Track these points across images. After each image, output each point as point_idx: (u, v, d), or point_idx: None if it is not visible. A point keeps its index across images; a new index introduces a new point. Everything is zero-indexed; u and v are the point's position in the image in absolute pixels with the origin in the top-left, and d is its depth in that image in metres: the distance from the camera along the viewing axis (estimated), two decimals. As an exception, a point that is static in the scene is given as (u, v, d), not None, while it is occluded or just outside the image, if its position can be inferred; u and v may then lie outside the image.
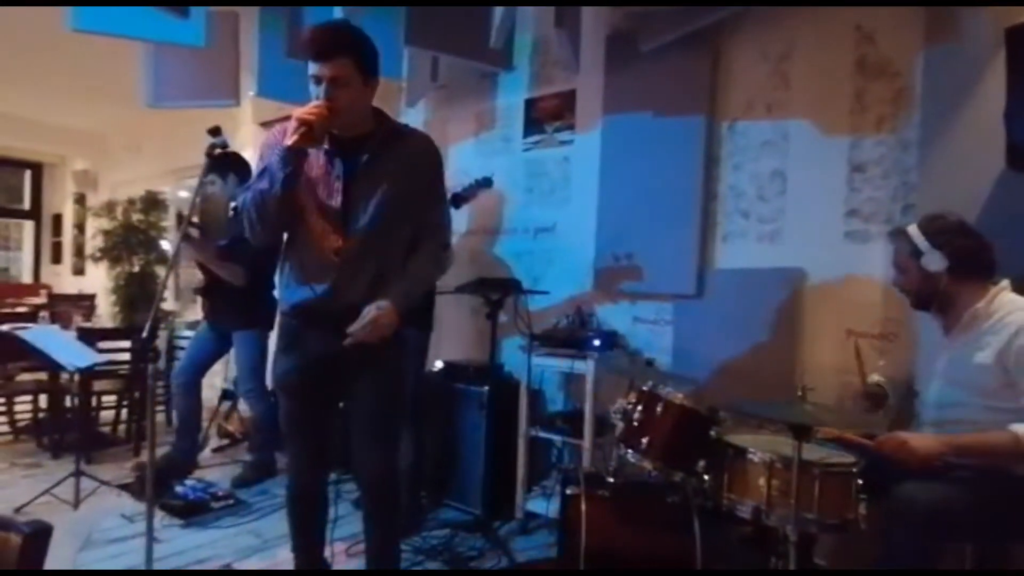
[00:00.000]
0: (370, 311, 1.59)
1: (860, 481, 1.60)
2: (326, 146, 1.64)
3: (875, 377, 1.97)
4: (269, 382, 2.88)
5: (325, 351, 1.65)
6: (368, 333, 1.59)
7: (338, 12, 2.52)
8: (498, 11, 2.38)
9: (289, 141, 1.51)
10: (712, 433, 1.80)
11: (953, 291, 1.68)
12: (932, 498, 1.52)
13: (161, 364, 4.15)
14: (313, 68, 1.55)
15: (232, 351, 3.20)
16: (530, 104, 3.27)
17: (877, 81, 2.28)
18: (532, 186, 3.27)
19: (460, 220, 3.52)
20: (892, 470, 1.60)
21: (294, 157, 1.54)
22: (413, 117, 3.79)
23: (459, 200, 2.55)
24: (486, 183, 2.70)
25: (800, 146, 2.46)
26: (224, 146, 1.98)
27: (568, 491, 1.97)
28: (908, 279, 1.75)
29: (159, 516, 2.62)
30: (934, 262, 1.66)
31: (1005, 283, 1.68)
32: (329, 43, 1.54)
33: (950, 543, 1.66)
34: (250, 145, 4.64)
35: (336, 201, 1.63)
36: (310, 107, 1.53)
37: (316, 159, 1.65)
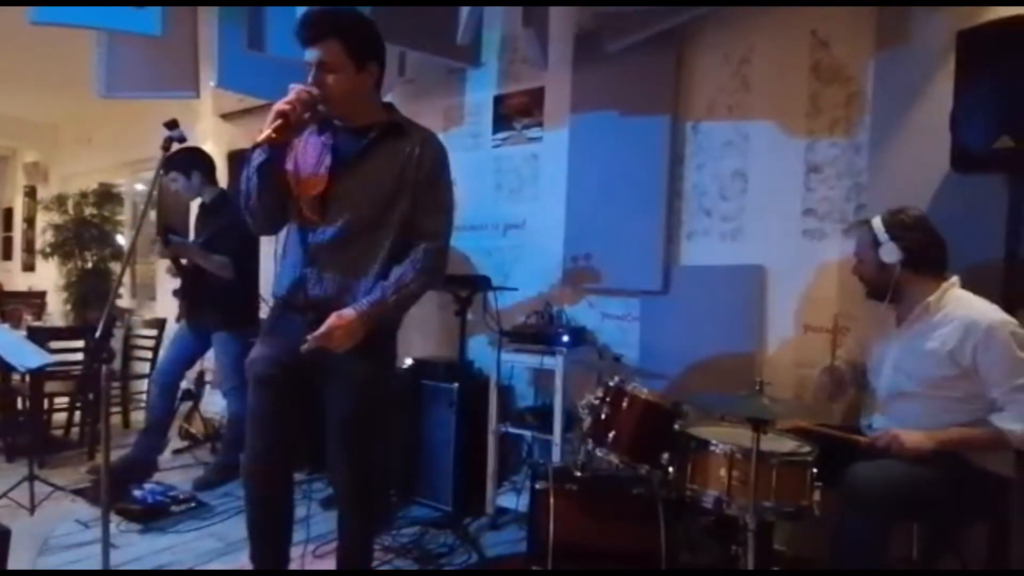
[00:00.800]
0: (331, 319, 1.50)
1: (815, 469, 1.67)
2: (324, 136, 1.60)
3: (838, 361, 2.05)
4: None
5: (298, 345, 1.55)
6: (324, 343, 1.49)
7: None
8: (465, 8, 2.38)
9: (262, 136, 1.46)
10: (676, 426, 1.85)
11: (906, 283, 1.76)
12: (879, 479, 1.60)
13: (116, 364, 4.03)
14: (305, 53, 1.52)
15: (212, 350, 3.14)
16: (499, 100, 3.28)
17: (831, 85, 2.37)
18: (501, 182, 3.28)
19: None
20: (844, 458, 1.68)
21: (268, 148, 1.51)
22: (380, 112, 3.77)
23: None
24: None
25: (759, 147, 2.53)
26: (181, 139, 1.94)
27: (537, 486, 2.00)
28: (865, 268, 1.84)
29: (116, 521, 2.55)
30: (890, 253, 1.74)
31: (955, 279, 1.76)
32: (315, 26, 1.50)
33: (898, 522, 1.74)
34: (210, 138, 4.52)
35: (317, 190, 1.56)
36: (289, 95, 1.47)
37: (311, 147, 1.61)
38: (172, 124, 1.90)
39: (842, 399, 2.01)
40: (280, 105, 1.46)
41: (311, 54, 1.50)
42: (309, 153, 1.61)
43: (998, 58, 1.79)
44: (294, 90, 1.48)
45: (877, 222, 1.78)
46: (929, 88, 2.10)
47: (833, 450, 1.72)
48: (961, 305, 1.70)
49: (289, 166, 1.62)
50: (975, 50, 1.84)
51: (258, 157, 1.53)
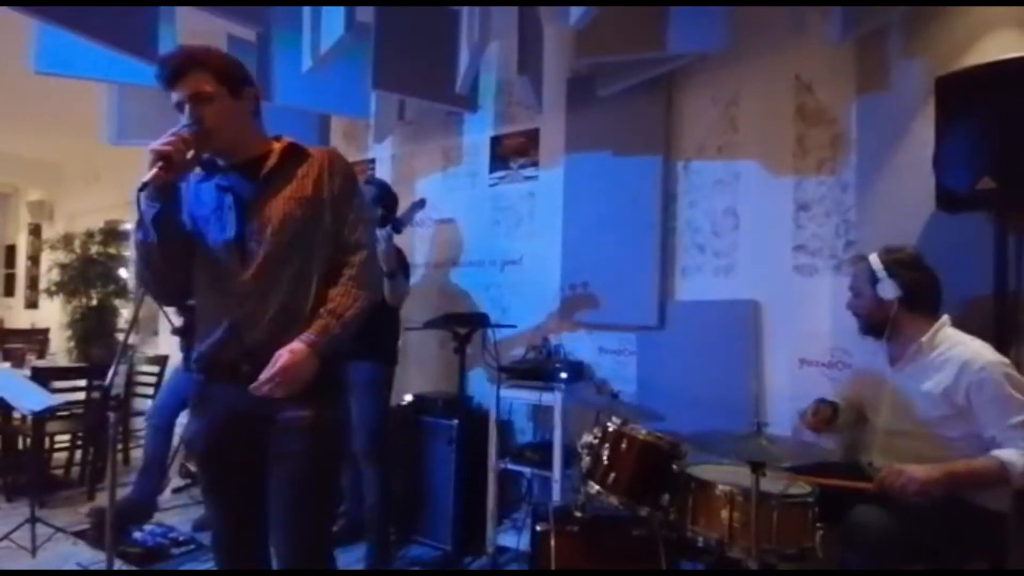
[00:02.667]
0: (280, 355, 1.36)
1: (816, 510, 1.68)
2: (213, 178, 1.49)
3: (831, 400, 2.07)
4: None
5: (235, 408, 1.43)
6: (278, 383, 1.34)
7: (307, 59, 2.56)
8: (463, 57, 2.47)
9: (145, 178, 1.34)
10: (675, 467, 1.86)
11: (901, 320, 1.79)
12: (883, 522, 1.60)
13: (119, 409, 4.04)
14: (172, 96, 1.42)
15: None
16: (495, 141, 3.37)
17: (816, 127, 2.45)
18: (498, 220, 3.34)
19: (429, 252, 3.58)
20: (846, 499, 1.68)
21: (157, 193, 1.36)
22: (380, 153, 3.86)
23: (399, 224, 2.57)
24: (420, 205, 2.74)
25: (749, 185, 2.60)
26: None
27: (538, 527, 2.00)
28: (862, 303, 1.86)
29: (117, 564, 2.54)
30: (888, 290, 1.77)
31: (945, 318, 1.79)
32: (176, 62, 1.41)
33: (902, 565, 1.74)
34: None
35: (230, 232, 1.44)
36: (166, 136, 1.35)
37: (204, 194, 1.50)
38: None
39: (828, 431, 2.02)
40: (157, 145, 1.34)
41: (178, 94, 1.41)
42: (204, 199, 1.49)
43: (976, 103, 1.86)
44: (171, 132, 1.37)
45: (875, 259, 1.82)
46: (911, 130, 2.17)
47: (834, 491, 1.71)
48: (954, 345, 1.73)
49: (184, 218, 1.48)
50: (954, 95, 1.91)
51: (149, 211, 1.38)
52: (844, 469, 1.85)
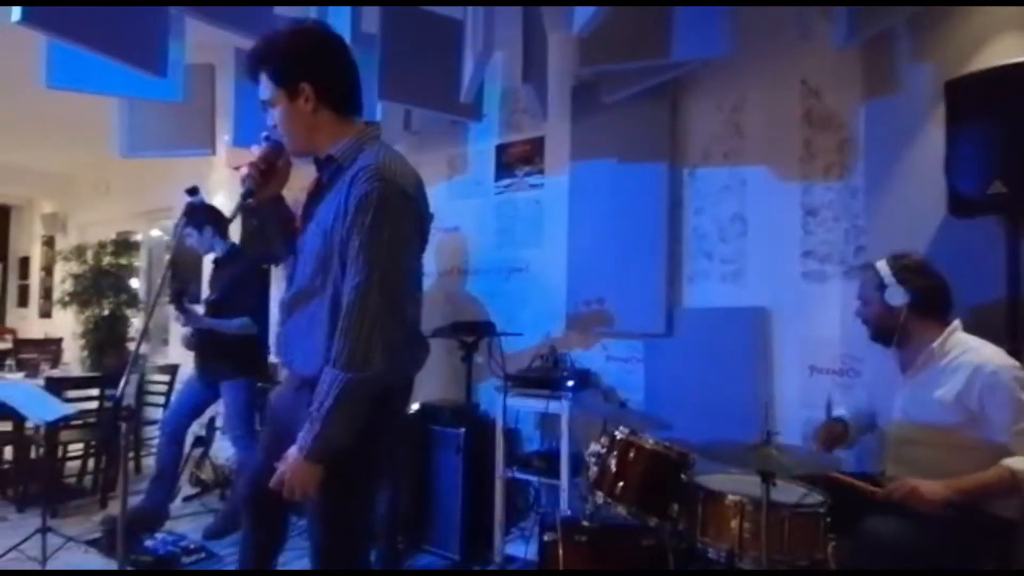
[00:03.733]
0: (280, 465, 1.26)
1: (828, 520, 1.66)
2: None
3: (841, 412, 2.05)
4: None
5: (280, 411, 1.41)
6: (288, 495, 1.25)
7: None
8: (468, 67, 2.48)
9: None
10: (684, 476, 1.85)
11: (911, 327, 1.77)
12: (896, 532, 1.58)
13: (131, 419, 4.07)
14: None
15: (222, 398, 3.19)
16: (501, 149, 3.38)
17: (823, 132, 2.43)
18: (504, 228, 3.35)
19: (435, 261, 3.59)
20: (858, 508, 1.66)
21: (246, 213, 1.38)
22: (387, 161, 3.87)
23: None
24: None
25: (756, 191, 2.59)
26: (202, 204, 2.02)
27: (546, 537, 2.00)
28: (871, 311, 1.84)
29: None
30: (896, 296, 1.75)
31: (957, 323, 1.77)
32: (248, 66, 1.32)
33: (919, 570, 1.71)
34: (224, 189, 4.65)
35: (286, 253, 1.44)
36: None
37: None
38: (193, 191, 1.98)
39: (840, 447, 2.00)
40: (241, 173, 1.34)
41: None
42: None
43: (986, 107, 1.85)
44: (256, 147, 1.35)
45: (882, 265, 1.80)
46: (920, 134, 2.16)
47: (846, 500, 1.70)
48: (967, 350, 1.70)
49: None
50: (964, 99, 1.90)
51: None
52: (855, 478, 1.83)
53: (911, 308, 1.76)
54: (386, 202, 1.23)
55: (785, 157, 2.51)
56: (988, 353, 1.67)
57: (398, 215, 1.25)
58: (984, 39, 2.05)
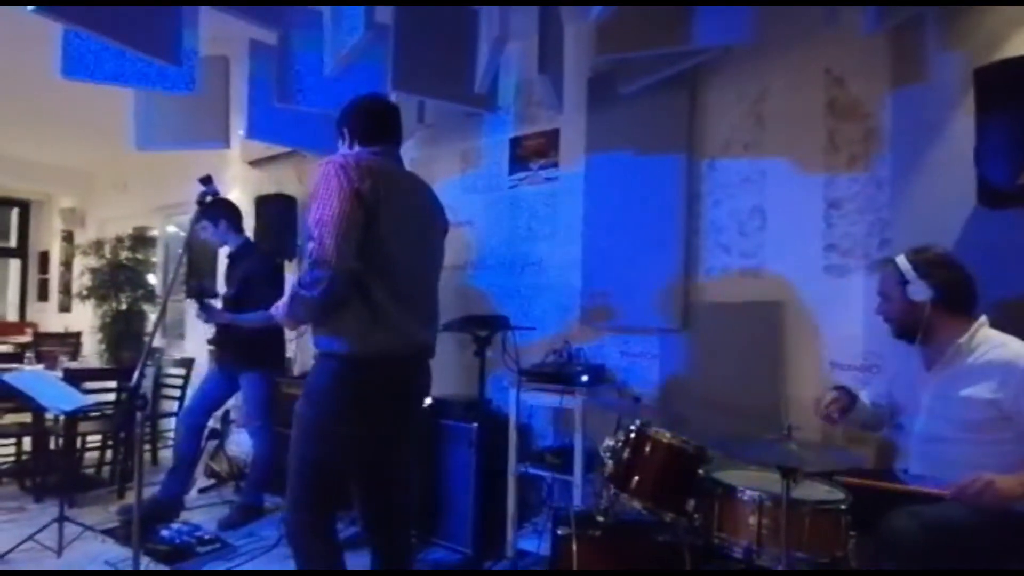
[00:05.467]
0: None
1: (849, 518, 1.61)
2: None
3: (861, 395, 1.98)
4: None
5: None
6: None
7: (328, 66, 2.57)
8: (483, 57, 2.45)
9: None
10: (700, 471, 1.81)
11: (936, 322, 1.71)
12: (919, 529, 1.53)
13: (147, 408, 4.12)
14: None
15: (241, 389, 3.21)
16: (515, 142, 3.34)
17: (848, 122, 2.36)
18: (518, 222, 3.32)
19: (449, 255, 3.55)
20: (880, 505, 1.62)
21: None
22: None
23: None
24: None
25: (777, 183, 2.53)
26: (215, 194, 2.02)
27: (559, 532, 1.97)
28: (893, 307, 1.79)
29: (144, 561, 2.57)
30: (920, 292, 1.70)
31: (983, 319, 1.71)
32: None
33: (940, 570, 1.66)
34: (239, 184, 4.68)
35: None
36: None
37: None
38: (207, 180, 1.99)
39: (832, 425, 1.93)
40: None
41: None
42: None
43: (1017, 95, 1.79)
44: None
45: (903, 260, 1.74)
46: (949, 124, 2.09)
47: (866, 497, 1.65)
48: (996, 346, 1.65)
49: None
50: (994, 87, 1.84)
51: None
52: (878, 476, 1.78)
53: (935, 303, 1.70)
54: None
55: (808, 148, 2.44)
56: (1019, 349, 1.62)
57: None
58: (1015, 26, 1.97)
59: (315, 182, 1.68)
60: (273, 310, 1.80)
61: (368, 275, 1.68)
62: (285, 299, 1.73)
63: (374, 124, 1.89)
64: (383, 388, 1.77)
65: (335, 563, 1.77)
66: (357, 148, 1.87)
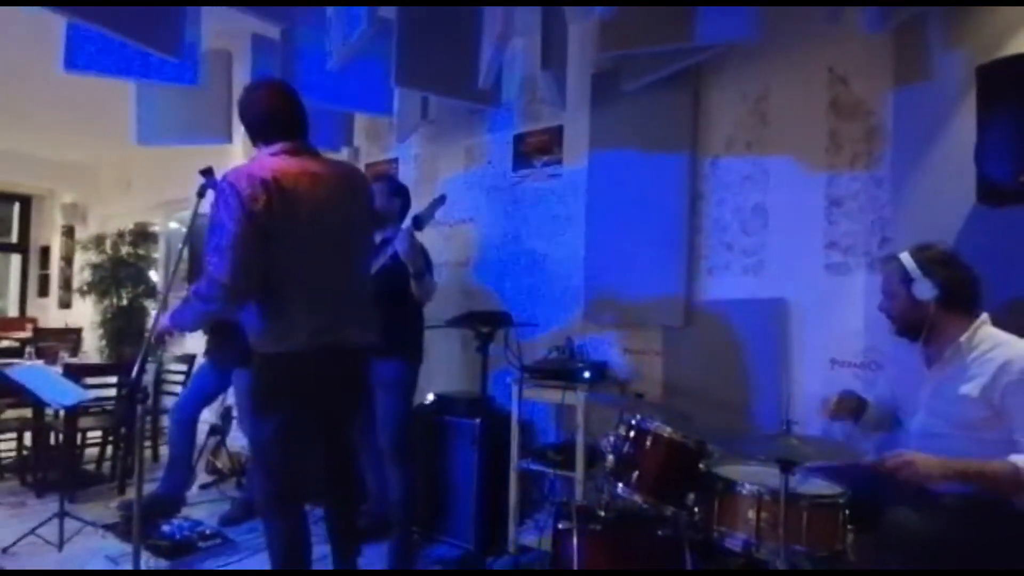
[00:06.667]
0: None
1: (847, 512, 1.62)
2: None
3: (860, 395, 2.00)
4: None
5: None
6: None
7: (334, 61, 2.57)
8: (487, 52, 2.46)
9: None
10: (701, 466, 1.82)
11: (939, 321, 1.71)
12: (923, 525, 1.54)
13: (148, 401, 4.13)
14: None
15: (232, 385, 3.20)
16: (519, 139, 3.35)
17: (850, 120, 2.37)
18: (521, 219, 3.32)
19: (452, 251, 3.58)
20: (881, 498, 1.62)
21: None
22: (404, 152, 3.87)
23: (420, 221, 2.57)
24: (441, 201, 2.71)
25: (780, 182, 2.53)
26: (215, 186, 2.02)
27: (560, 525, 1.97)
28: (896, 305, 1.78)
29: (145, 557, 2.57)
30: (924, 290, 1.69)
31: (985, 317, 1.71)
32: None
33: (940, 570, 1.67)
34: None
35: None
36: None
37: None
38: (208, 172, 2.00)
39: (850, 418, 1.94)
40: None
41: None
42: None
43: (1019, 92, 1.78)
44: None
45: (907, 258, 1.74)
46: (951, 122, 2.10)
47: (867, 492, 1.66)
48: (996, 344, 1.65)
49: None
50: (996, 84, 1.84)
51: None
52: (876, 472, 1.79)
53: (939, 302, 1.70)
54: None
55: (810, 146, 2.45)
56: (1019, 349, 1.62)
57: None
58: (1018, 24, 1.98)
59: (214, 200, 1.75)
60: (164, 316, 1.91)
61: (276, 279, 1.77)
62: (178, 304, 1.82)
63: (269, 123, 1.87)
64: (299, 382, 1.85)
65: (298, 537, 1.93)
66: (261, 149, 1.88)
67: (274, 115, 1.87)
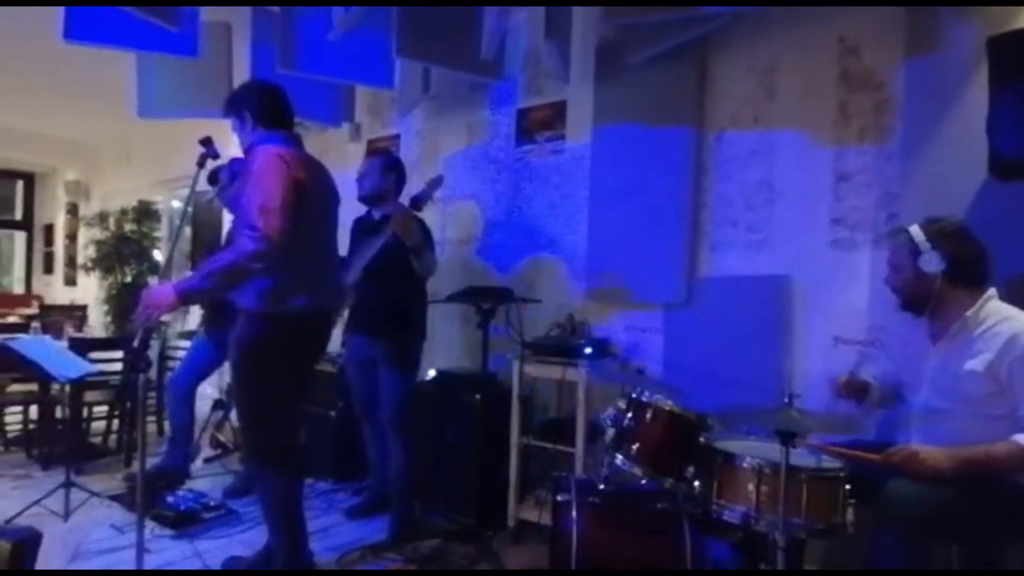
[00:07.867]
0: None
1: (848, 486, 1.62)
2: None
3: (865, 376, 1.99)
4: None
5: None
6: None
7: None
8: (489, 22, 2.41)
9: None
10: (701, 439, 1.82)
11: (945, 295, 1.69)
12: (920, 498, 1.54)
13: (152, 374, 4.15)
14: None
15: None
16: (521, 114, 3.30)
17: (860, 92, 2.32)
18: (524, 196, 3.30)
19: (454, 228, 3.56)
20: (880, 473, 1.62)
21: None
22: (405, 127, 3.83)
23: (418, 201, 2.58)
24: (438, 182, 2.72)
25: (786, 156, 2.49)
26: (215, 156, 2.01)
27: (560, 499, 1.98)
28: (902, 278, 1.76)
29: (150, 527, 2.61)
30: (931, 263, 1.67)
31: (992, 292, 1.69)
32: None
33: (935, 543, 1.67)
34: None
35: None
36: None
37: None
38: (207, 141, 1.99)
39: (859, 399, 1.94)
40: None
41: None
42: None
43: (1033, 63, 1.75)
44: None
45: (916, 230, 1.71)
46: (962, 94, 2.05)
47: (866, 465, 1.66)
48: (1002, 319, 1.63)
49: None
50: (1007, 57, 1.80)
51: None
52: (878, 448, 1.78)
53: (946, 275, 1.67)
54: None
55: (818, 120, 2.40)
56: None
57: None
58: (1032, -5, 1.93)
59: (256, 169, 1.88)
60: (199, 275, 1.88)
61: (293, 248, 1.90)
62: (223, 266, 1.83)
63: (275, 106, 2.08)
64: (298, 342, 2.06)
65: (294, 492, 2.10)
66: (261, 131, 2.03)
67: (282, 100, 2.12)
